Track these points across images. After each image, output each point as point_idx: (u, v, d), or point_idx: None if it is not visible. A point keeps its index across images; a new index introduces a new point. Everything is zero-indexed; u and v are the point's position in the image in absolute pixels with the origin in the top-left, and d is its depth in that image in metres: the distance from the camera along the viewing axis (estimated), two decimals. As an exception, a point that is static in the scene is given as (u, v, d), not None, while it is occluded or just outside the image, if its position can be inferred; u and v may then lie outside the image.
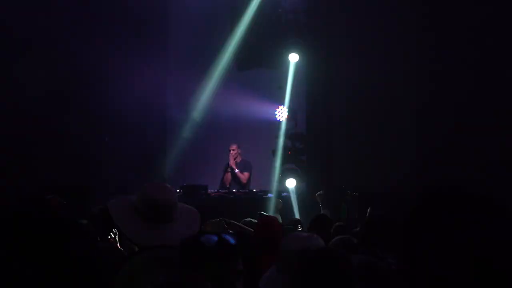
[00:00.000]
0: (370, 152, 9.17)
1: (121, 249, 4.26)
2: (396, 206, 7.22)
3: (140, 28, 11.06)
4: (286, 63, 9.28)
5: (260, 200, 9.06)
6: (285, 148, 8.96)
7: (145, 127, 11.33)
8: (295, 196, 9.25)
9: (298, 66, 9.21)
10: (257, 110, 11.34)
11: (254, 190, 9.65)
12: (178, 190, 9.48)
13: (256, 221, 5.07)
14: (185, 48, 11.51)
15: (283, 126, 9.22)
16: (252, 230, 4.68)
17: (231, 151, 10.00)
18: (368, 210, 5.83)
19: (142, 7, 11.04)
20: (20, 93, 8.90)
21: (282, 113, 9.57)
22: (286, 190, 9.12)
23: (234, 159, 9.98)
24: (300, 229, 5.61)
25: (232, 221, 5.10)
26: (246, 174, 10.02)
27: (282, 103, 9.51)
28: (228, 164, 10.10)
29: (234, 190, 9.67)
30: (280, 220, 6.05)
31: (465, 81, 8.24)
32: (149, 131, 11.39)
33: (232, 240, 2.31)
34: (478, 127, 8.15)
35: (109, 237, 4.44)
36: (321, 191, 7.05)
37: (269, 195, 9.41)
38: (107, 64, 10.45)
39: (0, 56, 8.69)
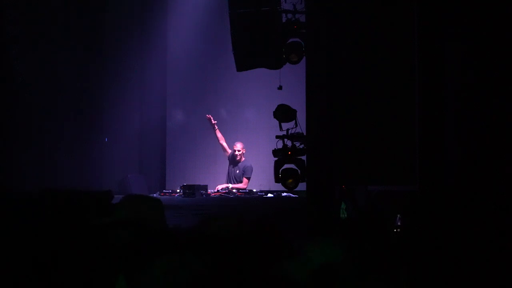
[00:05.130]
0: (370, 152, 9.15)
1: None
2: (395, 205, 7.23)
3: (140, 28, 11.06)
4: (286, 63, 9.28)
5: (260, 200, 9.07)
6: (285, 148, 8.96)
7: (145, 128, 11.34)
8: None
9: (298, 66, 9.20)
10: (257, 110, 11.35)
11: (254, 190, 9.67)
12: (178, 190, 9.49)
13: None
14: (184, 47, 11.51)
15: (283, 126, 9.21)
16: None
17: (236, 152, 10.19)
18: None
19: (142, 8, 11.05)
20: (20, 93, 8.90)
21: (281, 113, 9.55)
22: (286, 190, 9.13)
23: (238, 159, 10.20)
24: None
25: None
26: (245, 180, 10.15)
27: (282, 103, 9.49)
28: (229, 157, 10.36)
29: (234, 190, 9.69)
30: None
31: (465, 79, 8.23)
32: (149, 131, 11.40)
33: None
34: (479, 125, 8.14)
35: None
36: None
37: (269, 195, 9.41)
38: (107, 64, 10.45)
39: (2, 55, 8.69)
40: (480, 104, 8.14)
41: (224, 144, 10.58)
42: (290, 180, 8.85)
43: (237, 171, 10.28)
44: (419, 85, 8.74)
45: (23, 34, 8.89)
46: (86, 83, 10.03)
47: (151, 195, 9.87)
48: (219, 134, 10.56)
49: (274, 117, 8.97)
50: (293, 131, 8.99)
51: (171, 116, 11.76)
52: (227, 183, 10.10)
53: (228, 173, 10.37)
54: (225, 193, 9.56)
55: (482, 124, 8.11)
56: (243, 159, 10.34)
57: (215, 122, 10.49)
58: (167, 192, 9.70)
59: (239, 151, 10.28)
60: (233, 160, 10.36)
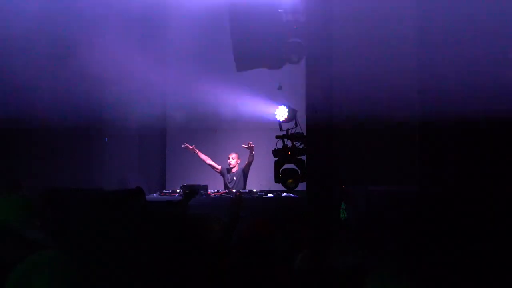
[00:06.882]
0: (370, 152, 9.16)
1: None
2: (395, 205, 7.23)
3: (140, 28, 11.07)
4: (286, 63, 9.29)
5: (260, 200, 9.07)
6: (285, 148, 8.97)
7: (145, 128, 11.34)
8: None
9: (298, 66, 9.21)
10: (257, 110, 11.35)
11: (254, 190, 9.65)
12: (178, 190, 9.49)
13: None
14: (184, 47, 11.51)
15: (283, 126, 9.22)
16: None
17: (230, 159, 10.06)
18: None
19: (142, 10, 11.05)
20: (20, 93, 8.90)
21: (282, 113, 9.56)
22: (286, 190, 9.13)
23: (232, 166, 10.07)
24: None
25: None
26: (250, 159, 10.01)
27: (282, 103, 9.51)
28: (222, 171, 10.19)
29: (234, 190, 9.68)
30: None
31: (467, 80, 8.24)
32: (149, 131, 11.40)
33: None
34: (481, 126, 8.15)
35: None
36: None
37: (269, 195, 9.41)
38: (107, 63, 10.46)
39: (1, 55, 8.69)
40: (479, 104, 8.14)
41: (212, 163, 10.37)
42: (290, 180, 8.86)
43: (234, 178, 10.12)
44: (419, 85, 8.75)
45: (23, 35, 8.89)
46: (86, 83, 10.03)
47: (151, 195, 9.88)
48: (202, 156, 10.37)
49: (275, 117, 8.97)
50: (293, 131, 9.00)
51: (171, 116, 11.76)
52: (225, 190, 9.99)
53: (225, 183, 10.20)
54: (225, 193, 9.56)
55: (481, 124, 8.12)
56: (237, 167, 10.17)
57: (193, 146, 10.30)
58: (167, 192, 9.69)
59: (233, 158, 10.11)
60: (228, 171, 10.19)
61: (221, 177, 10.36)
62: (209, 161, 10.36)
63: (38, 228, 3.11)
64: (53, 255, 2.46)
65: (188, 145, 10.27)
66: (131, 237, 2.40)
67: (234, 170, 10.15)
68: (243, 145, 9.94)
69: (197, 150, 10.29)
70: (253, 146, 9.88)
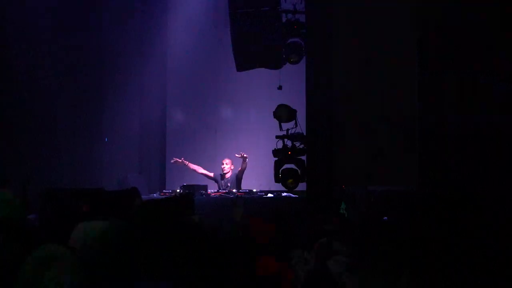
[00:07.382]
0: (370, 152, 9.16)
1: None
2: (395, 205, 7.23)
3: (140, 27, 11.07)
4: (286, 63, 9.28)
5: (260, 200, 9.07)
6: (285, 148, 8.97)
7: (145, 128, 11.34)
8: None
9: (298, 66, 9.20)
10: (257, 110, 11.36)
11: (254, 190, 9.65)
12: (178, 190, 9.49)
13: None
14: (184, 47, 11.51)
15: (283, 126, 9.22)
16: None
17: (224, 165, 10.07)
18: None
19: (142, 8, 11.05)
20: (21, 93, 8.91)
21: (281, 113, 9.56)
22: (286, 190, 9.13)
23: (226, 172, 10.08)
24: None
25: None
26: (243, 165, 10.02)
27: (282, 103, 9.51)
28: (216, 177, 10.18)
29: (234, 190, 9.68)
30: None
31: (467, 79, 8.24)
32: (149, 131, 11.40)
33: None
34: (481, 126, 8.14)
35: None
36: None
37: (269, 195, 9.41)
38: (107, 65, 10.46)
39: (2, 55, 8.69)
40: (479, 104, 8.14)
41: (204, 171, 10.32)
42: (290, 180, 8.85)
43: (228, 184, 10.10)
44: (420, 86, 8.75)
45: (23, 34, 8.90)
46: (86, 83, 10.04)
47: (151, 195, 9.87)
48: (193, 167, 10.31)
49: (274, 117, 8.96)
50: (293, 131, 8.99)
51: (171, 116, 11.76)
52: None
53: (218, 189, 10.20)
54: (225, 193, 9.56)
55: (482, 124, 8.12)
56: (230, 173, 10.16)
57: (182, 159, 10.23)
58: (167, 192, 9.69)
59: (227, 164, 10.08)
60: (222, 177, 10.16)
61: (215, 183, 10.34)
62: (201, 170, 10.30)
63: (37, 227, 3.11)
64: (60, 249, 2.46)
65: (177, 159, 10.21)
66: (129, 235, 2.40)
67: (227, 175, 10.13)
68: (236, 155, 9.92)
69: (187, 162, 10.23)
70: (246, 156, 9.87)
